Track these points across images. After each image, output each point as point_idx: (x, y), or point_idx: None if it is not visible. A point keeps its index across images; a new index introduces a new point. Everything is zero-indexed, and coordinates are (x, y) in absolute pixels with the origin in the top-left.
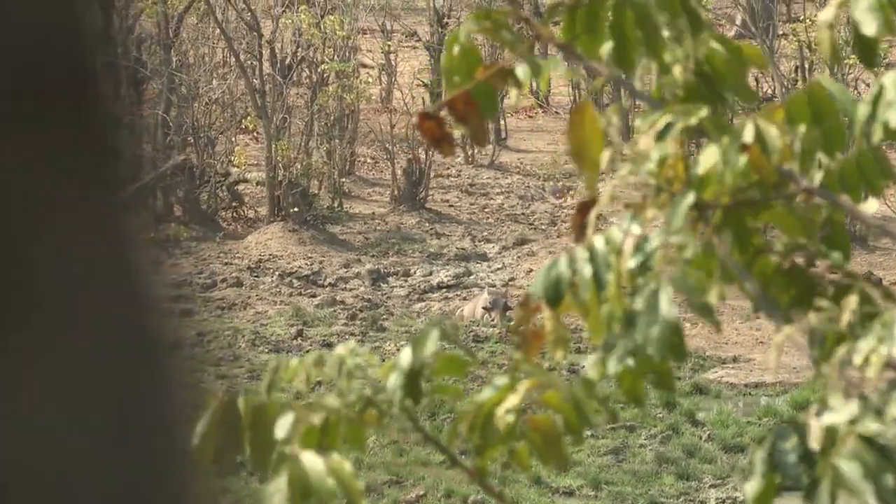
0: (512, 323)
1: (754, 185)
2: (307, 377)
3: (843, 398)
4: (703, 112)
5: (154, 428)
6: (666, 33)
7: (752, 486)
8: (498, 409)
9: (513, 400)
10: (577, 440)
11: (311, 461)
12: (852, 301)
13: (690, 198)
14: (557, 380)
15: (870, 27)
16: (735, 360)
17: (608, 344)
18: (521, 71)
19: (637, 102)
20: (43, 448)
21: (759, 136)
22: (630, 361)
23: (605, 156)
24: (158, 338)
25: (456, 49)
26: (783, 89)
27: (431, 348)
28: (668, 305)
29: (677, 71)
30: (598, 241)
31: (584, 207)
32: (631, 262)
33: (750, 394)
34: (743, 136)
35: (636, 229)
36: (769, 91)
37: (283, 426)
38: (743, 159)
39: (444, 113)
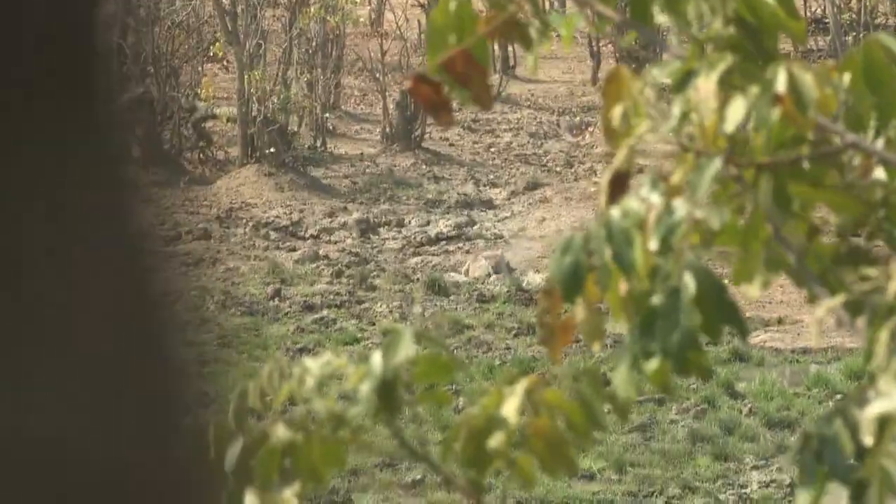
0: (535, 314)
1: (793, 142)
2: (260, 393)
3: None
4: (729, 59)
5: (150, 394)
6: None
7: (803, 498)
8: (493, 417)
9: (510, 406)
10: (585, 443)
11: None
12: None
13: (718, 162)
14: (559, 376)
15: None
16: (780, 321)
17: (635, 337)
18: (534, 30)
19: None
20: (32, 406)
21: (794, 86)
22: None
23: (617, 110)
24: (154, 288)
25: (453, 5)
26: (834, 9)
27: (405, 353)
28: (689, 310)
29: (717, 24)
30: (615, 214)
31: (618, 181)
32: (652, 244)
33: (797, 360)
34: (775, 85)
35: (656, 198)
36: (818, 11)
37: (230, 458)
38: (776, 113)
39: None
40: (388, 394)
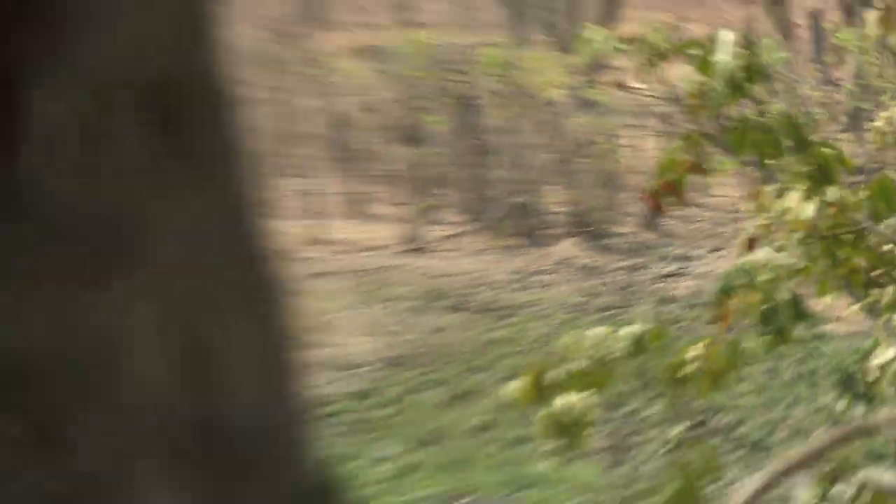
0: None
1: (837, 226)
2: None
3: None
4: (806, 183)
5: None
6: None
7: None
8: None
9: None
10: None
11: None
12: None
13: (800, 234)
14: None
15: None
16: None
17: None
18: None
19: None
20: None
21: (840, 199)
22: None
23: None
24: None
25: (667, 154)
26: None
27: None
28: (785, 310)
29: (798, 166)
30: (747, 261)
31: (750, 242)
32: (764, 276)
33: None
34: (828, 197)
35: (769, 253)
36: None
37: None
38: (832, 211)
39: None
40: (639, 346)
